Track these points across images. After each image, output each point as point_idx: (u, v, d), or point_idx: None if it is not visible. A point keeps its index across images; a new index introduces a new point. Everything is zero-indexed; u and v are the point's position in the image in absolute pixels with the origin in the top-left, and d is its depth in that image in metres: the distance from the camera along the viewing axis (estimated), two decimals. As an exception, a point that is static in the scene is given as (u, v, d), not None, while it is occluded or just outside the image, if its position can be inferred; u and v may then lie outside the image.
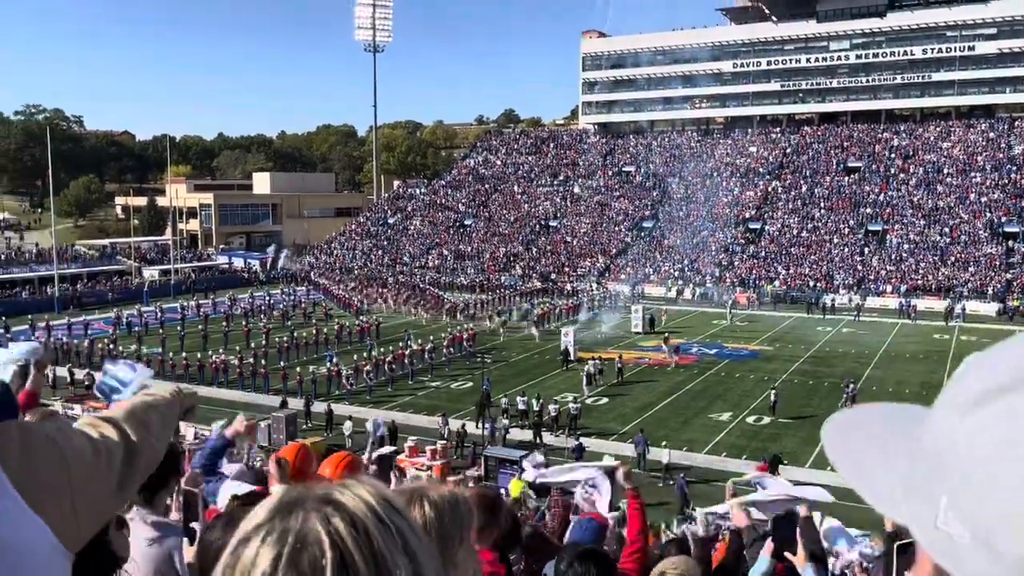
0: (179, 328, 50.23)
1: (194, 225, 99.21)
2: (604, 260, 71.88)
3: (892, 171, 74.74)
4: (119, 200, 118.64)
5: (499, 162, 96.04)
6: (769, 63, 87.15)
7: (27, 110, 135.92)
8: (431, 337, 43.76)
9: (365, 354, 40.35)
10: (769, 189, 76.90)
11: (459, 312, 55.53)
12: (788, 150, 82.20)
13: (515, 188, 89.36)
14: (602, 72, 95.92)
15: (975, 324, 50.36)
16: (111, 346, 43.31)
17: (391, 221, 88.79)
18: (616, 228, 77.38)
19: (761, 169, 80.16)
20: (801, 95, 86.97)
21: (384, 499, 0.89)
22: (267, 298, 61.70)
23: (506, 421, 30.53)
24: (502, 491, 16.40)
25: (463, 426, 29.58)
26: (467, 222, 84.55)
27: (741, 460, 26.60)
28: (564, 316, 53.62)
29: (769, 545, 3.28)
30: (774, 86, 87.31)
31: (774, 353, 43.96)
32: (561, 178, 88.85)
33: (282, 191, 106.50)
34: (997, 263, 59.92)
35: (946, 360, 40.00)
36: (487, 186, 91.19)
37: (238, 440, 4.41)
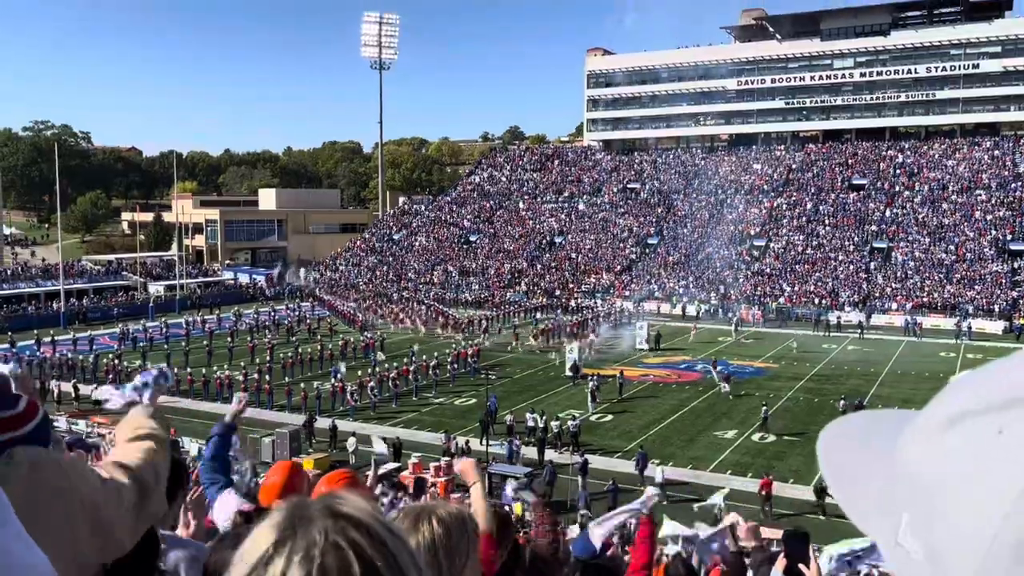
0: (184, 344, 50.29)
1: (200, 241, 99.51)
2: (609, 277, 71.88)
3: (897, 188, 74.75)
4: (125, 216, 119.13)
5: (504, 178, 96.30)
6: (774, 81, 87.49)
7: (35, 126, 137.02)
8: (435, 353, 43.73)
9: (370, 369, 40.34)
10: (774, 206, 76.94)
11: (465, 328, 55.51)
12: (793, 167, 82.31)
13: (520, 204, 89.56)
14: (607, 90, 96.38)
15: (981, 342, 50.21)
16: (116, 361, 43.34)
17: (396, 237, 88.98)
18: (621, 245, 77.42)
19: (766, 186, 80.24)
20: (806, 113, 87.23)
21: (379, 509, 0.92)
22: (272, 314, 61.77)
23: (519, 442, 30.11)
24: (507, 508, 16.33)
25: (467, 443, 29.50)
26: (472, 238, 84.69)
27: (746, 478, 26.49)
28: (568, 332, 53.56)
29: (782, 562, 3.26)
30: (779, 104, 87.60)
31: (779, 371, 43.83)
32: (566, 195, 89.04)
33: (288, 207, 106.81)
34: (1003, 281, 59.78)
35: (952, 378, 39.77)
36: (492, 202, 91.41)
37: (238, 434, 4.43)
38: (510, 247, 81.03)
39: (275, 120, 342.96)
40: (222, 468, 4.13)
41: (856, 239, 69.39)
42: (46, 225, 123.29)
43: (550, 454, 29.65)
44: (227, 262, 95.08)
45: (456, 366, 42.75)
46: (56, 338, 50.49)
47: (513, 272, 75.67)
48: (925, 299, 59.48)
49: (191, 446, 25.67)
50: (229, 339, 50.86)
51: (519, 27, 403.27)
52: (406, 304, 65.09)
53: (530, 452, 29.77)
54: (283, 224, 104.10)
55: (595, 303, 64.79)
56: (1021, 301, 56.99)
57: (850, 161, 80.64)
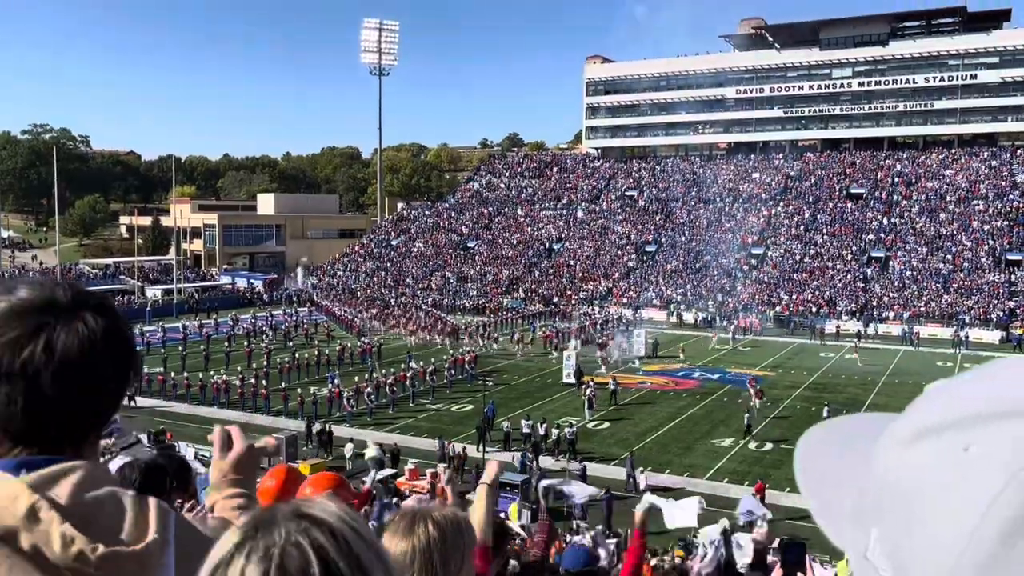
0: (181, 348, 50.23)
1: (198, 245, 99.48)
2: (606, 284, 71.90)
3: (895, 198, 74.90)
4: (124, 219, 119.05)
5: (503, 185, 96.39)
6: (773, 90, 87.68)
7: (34, 129, 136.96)
8: (432, 359, 43.69)
9: (367, 375, 40.28)
10: (772, 215, 77.04)
11: (462, 334, 55.46)
12: (791, 176, 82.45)
13: (518, 211, 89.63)
14: (606, 97, 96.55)
15: (978, 352, 50.26)
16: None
17: (394, 243, 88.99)
18: (619, 252, 77.47)
19: (764, 195, 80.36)
20: (804, 122, 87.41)
21: (349, 511, 0.92)
22: (269, 318, 61.72)
23: (530, 455, 29.62)
24: (502, 514, 16.30)
25: (463, 449, 29.44)
26: (470, 244, 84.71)
27: (743, 486, 26.45)
28: (566, 339, 53.52)
29: (778, 571, 3.24)
30: (777, 112, 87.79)
31: (777, 379, 43.82)
32: (564, 202, 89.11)
33: (286, 212, 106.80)
34: (1000, 291, 59.86)
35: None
36: (490, 209, 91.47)
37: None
38: (508, 254, 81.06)
39: (274, 125, 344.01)
40: None
41: (854, 248, 69.48)
42: (44, 228, 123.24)
43: (548, 461, 29.57)
44: (225, 267, 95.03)
45: (453, 372, 42.74)
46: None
47: (511, 279, 75.69)
48: (922, 308, 59.54)
49: (187, 451, 25.58)
50: (226, 343, 50.78)
51: (519, 34, 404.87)
52: (404, 310, 65.04)
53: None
54: (281, 229, 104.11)
55: (593, 310, 64.77)
56: (1018, 311, 57.07)
57: (848, 170, 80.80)
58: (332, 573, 0.84)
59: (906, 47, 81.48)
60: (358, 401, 36.50)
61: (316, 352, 46.31)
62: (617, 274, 73.49)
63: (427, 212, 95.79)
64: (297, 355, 45.35)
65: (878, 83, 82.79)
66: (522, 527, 12.21)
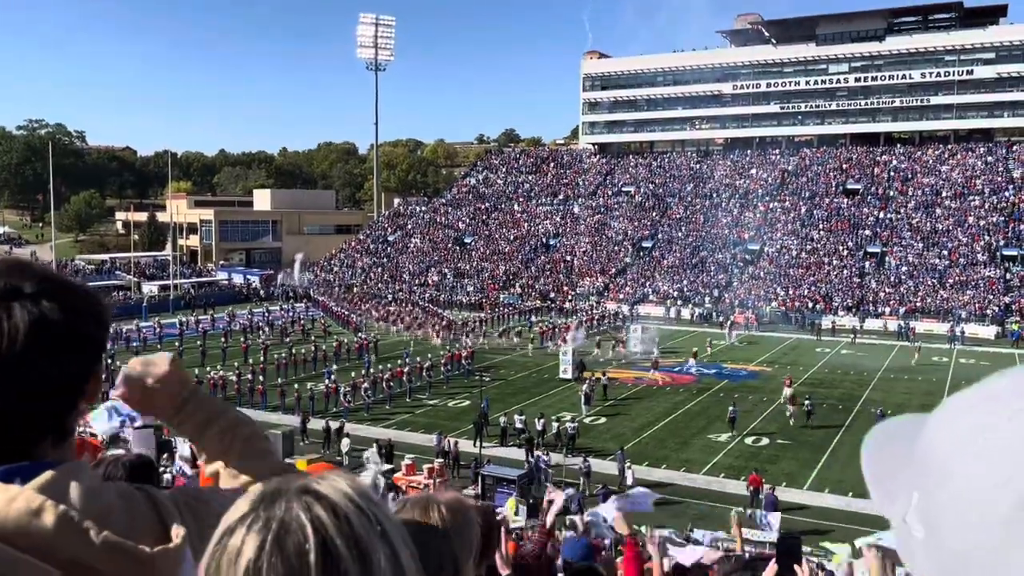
0: (177, 344, 50.16)
1: (194, 241, 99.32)
2: (603, 279, 71.93)
3: (891, 193, 74.98)
4: (119, 215, 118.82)
5: (499, 181, 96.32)
6: (769, 85, 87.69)
7: (29, 125, 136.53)
8: (429, 355, 43.71)
9: (363, 371, 40.28)
10: (768, 210, 77.10)
11: (457, 330, 55.46)
12: (787, 171, 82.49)
13: (515, 207, 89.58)
14: (603, 93, 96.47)
15: (974, 347, 50.39)
16: (109, 361, 43.21)
17: (391, 239, 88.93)
18: (615, 248, 77.50)
19: (760, 190, 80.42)
20: (800, 117, 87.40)
21: (361, 489, 0.92)
22: (266, 314, 61.67)
23: (545, 458, 29.47)
24: (498, 510, 16.33)
25: (456, 444, 29.41)
26: (467, 240, 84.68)
27: (739, 481, 26.51)
28: (562, 334, 53.53)
29: (772, 567, 3.25)
30: (774, 108, 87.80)
31: (773, 374, 43.88)
32: (561, 197, 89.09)
33: (282, 208, 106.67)
34: (996, 286, 60.00)
35: (945, 382, 39.95)
36: (487, 205, 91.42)
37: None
38: (505, 249, 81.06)
39: (270, 121, 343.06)
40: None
41: (850, 243, 69.57)
42: (40, 224, 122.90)
43: (557, 457, 29.53)
44: (221, 262, 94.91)
45: (450, 367, 42.72)
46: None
47: (508, 274, 75.69)
48: (918, 304, 59.66)
49: (183, 447, 25.55)
50: (223, 339, 50.76)
51: (515, 29, 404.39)
52: (400, 306, 65.04)
53: (515, 453, 29.75)
54: (278, 225, 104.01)
55: (589, 305, 64.82)
56: (1014, 306, 57.22)
57: (844, 166, 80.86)
58: (329, 551, 0.84)
59: (902, 43, 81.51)
60: (355, 397, 36.54)
61: (313, 348, 46.31)
62: (614, 270, 73.54)
63: (423, 208, 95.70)
64: (294, 351, 45.33)
65: (874, 79, 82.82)
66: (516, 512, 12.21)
